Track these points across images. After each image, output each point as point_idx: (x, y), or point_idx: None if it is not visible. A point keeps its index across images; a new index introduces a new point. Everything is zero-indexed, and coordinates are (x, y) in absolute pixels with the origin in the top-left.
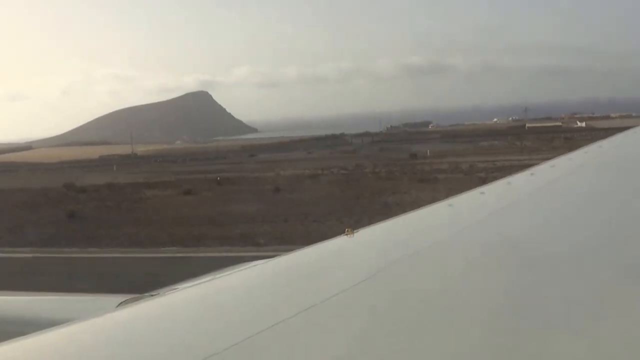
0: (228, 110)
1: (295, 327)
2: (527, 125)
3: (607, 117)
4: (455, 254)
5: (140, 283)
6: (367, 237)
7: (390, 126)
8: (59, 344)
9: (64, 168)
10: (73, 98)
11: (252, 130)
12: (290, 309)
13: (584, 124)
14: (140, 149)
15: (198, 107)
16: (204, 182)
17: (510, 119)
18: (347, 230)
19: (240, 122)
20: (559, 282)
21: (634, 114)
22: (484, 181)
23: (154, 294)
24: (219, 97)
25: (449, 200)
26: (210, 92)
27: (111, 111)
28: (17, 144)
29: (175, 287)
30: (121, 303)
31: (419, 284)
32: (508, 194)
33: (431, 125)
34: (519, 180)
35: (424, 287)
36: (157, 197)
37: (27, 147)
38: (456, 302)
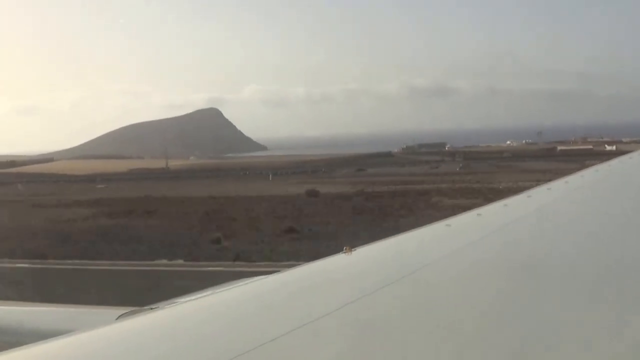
0: (238, 127)
1: (292, 343)
2: (559, 148)
3: (619, 142)
4: (452, 274)
5: None
6: (365, 255)
7: (406, 146)
8: (59, 355)
9: (138, 179)
10: (82, 112)
11: (262, 148)
12: (287, 325)
13: (614, 148)
14: (171, 164)
15: (209, 123)
16: (477, 193)
17: (524, 141)
18: (346, 249)
19: (249, 139)
20: (555, 303)
21: None
22: None
23: (153, 307)
24: (229, 114)
25: (447, 220)
26: (220, 109)
27: (122, 126)
28: (35, 155)
29: (175, 300)
30: (121, 315)
31: (415, 304)
32: (505, 215)
33: (448, 146)
34: (516, 202)
35: (420, 306)
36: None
37: (49, 159)
38: (452, 322)
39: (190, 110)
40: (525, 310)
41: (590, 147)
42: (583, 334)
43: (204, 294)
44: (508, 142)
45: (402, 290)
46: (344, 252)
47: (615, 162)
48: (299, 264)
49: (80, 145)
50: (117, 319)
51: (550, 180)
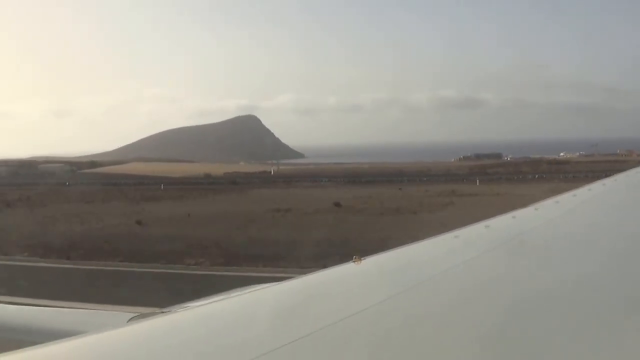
0: (276, 134)
1: (301, 351)
2: None
3: None
4: (458, 286)
5: None
6: (374, 265)
7: (463, 157)
8: (68, 357)
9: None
10: (117, 116)
11: (299, 155)
12: (296, 333)
13: None
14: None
15: (248, 130)
16: None
17: (578, 154)
18: (355, 258)
19: (287, 146)
20: (560, 319)
21: None
22: None
23: (165, 310)
24: (265, 122)
25: (455, 232)
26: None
27: (158, 131)
28: (103, 153)
29: (187, 305)
30: (132, 318)
31: (421, 315)
32: (512, 228)
33: (509, 156)
34: (523, 215)
35: (426, 318)
36: None
37: (122, 160)
38: (459, 335)
39: (223, 117)
40: (533, 325)
41: None
42: (592, 349)
43: (215, 299)
44: (562, 154)
45: (410, 301)
46: (353, 262)
47: (622, 176)
48: (310, 271)
49: (120, 148)
50: (128, 321)
51: None
